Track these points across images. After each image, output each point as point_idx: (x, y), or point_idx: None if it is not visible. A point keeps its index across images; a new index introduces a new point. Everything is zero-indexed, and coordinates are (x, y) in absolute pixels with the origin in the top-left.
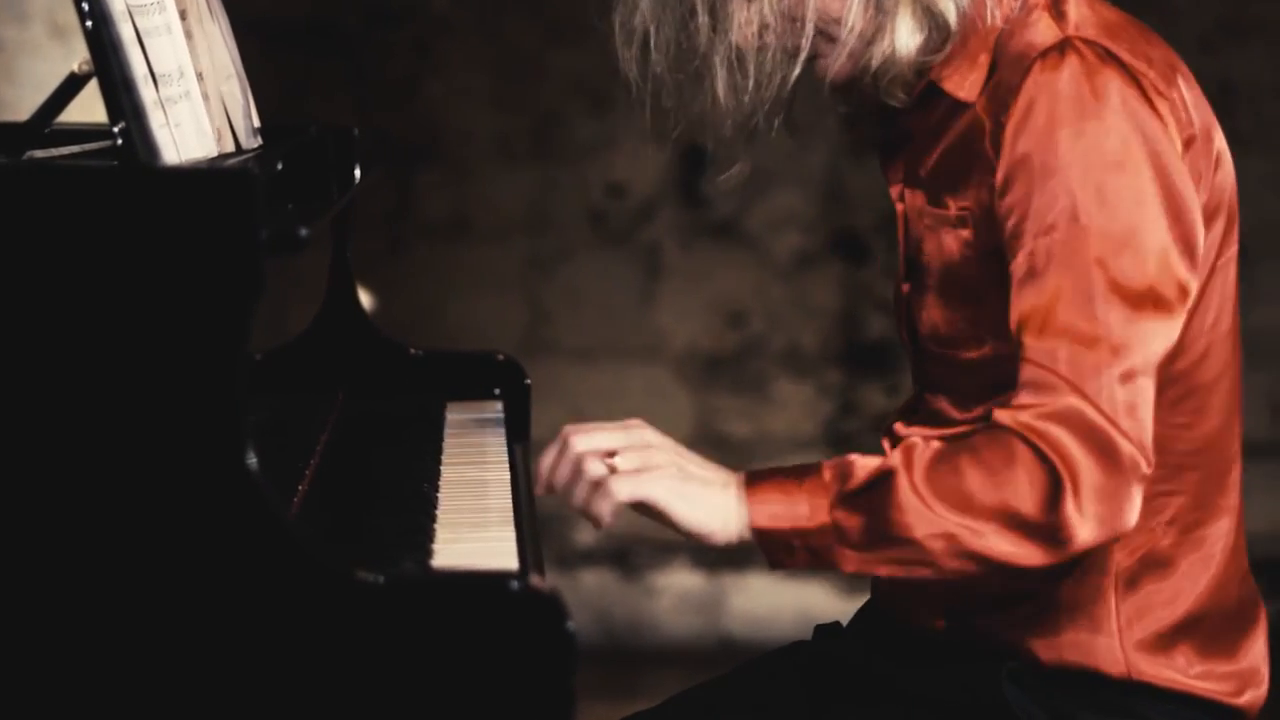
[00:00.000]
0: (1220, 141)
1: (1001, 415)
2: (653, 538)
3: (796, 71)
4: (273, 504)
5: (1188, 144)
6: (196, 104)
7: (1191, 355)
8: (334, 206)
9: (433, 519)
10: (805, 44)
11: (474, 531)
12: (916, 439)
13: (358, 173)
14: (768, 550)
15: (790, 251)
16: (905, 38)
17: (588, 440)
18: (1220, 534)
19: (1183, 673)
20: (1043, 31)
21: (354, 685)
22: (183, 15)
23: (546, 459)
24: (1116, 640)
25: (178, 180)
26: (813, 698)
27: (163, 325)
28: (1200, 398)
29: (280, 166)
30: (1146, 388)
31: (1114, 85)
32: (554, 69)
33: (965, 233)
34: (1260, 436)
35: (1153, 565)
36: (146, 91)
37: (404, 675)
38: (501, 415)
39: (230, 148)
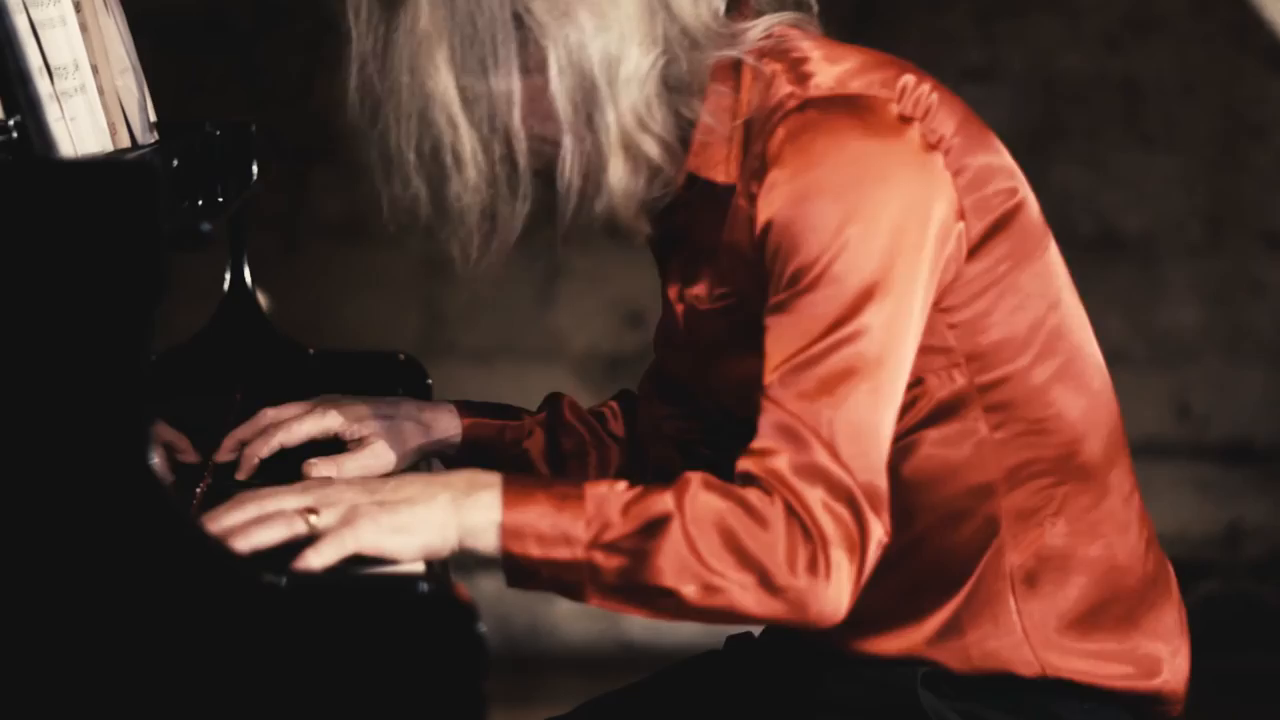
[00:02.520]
0: (999, 159)
1: (753, 466)
2: None
3: (522, 216)
4: (175, 505)
5: (956, 173)
6: (92, 98)
7: (1029, 354)
8: (235, 202)
9: None
10: (524, 194)
11: None
12: (692, 476)
13: (255, 170)
14: (510, 571)
15: None
16: (621, 189)
17: (278, 502)
18: (1110, 515)
19: (1098, 663)
20: (781, 96)
21: (259, 690)
22: (77, 8)
23: (245, 509)
24: (1025, 642)
25: (77, 172)
26: (727, 708)
27: (63, 322)
28: (1049, 398)
29: (176, 163)
30: (883, 447)
31: (854, 137)
32: None
33: (732, 316)
34: (1168, 436)
35: (1049, 561)
36: (42, 84)
37: (311, 680)
38: None
39: (126, 143)
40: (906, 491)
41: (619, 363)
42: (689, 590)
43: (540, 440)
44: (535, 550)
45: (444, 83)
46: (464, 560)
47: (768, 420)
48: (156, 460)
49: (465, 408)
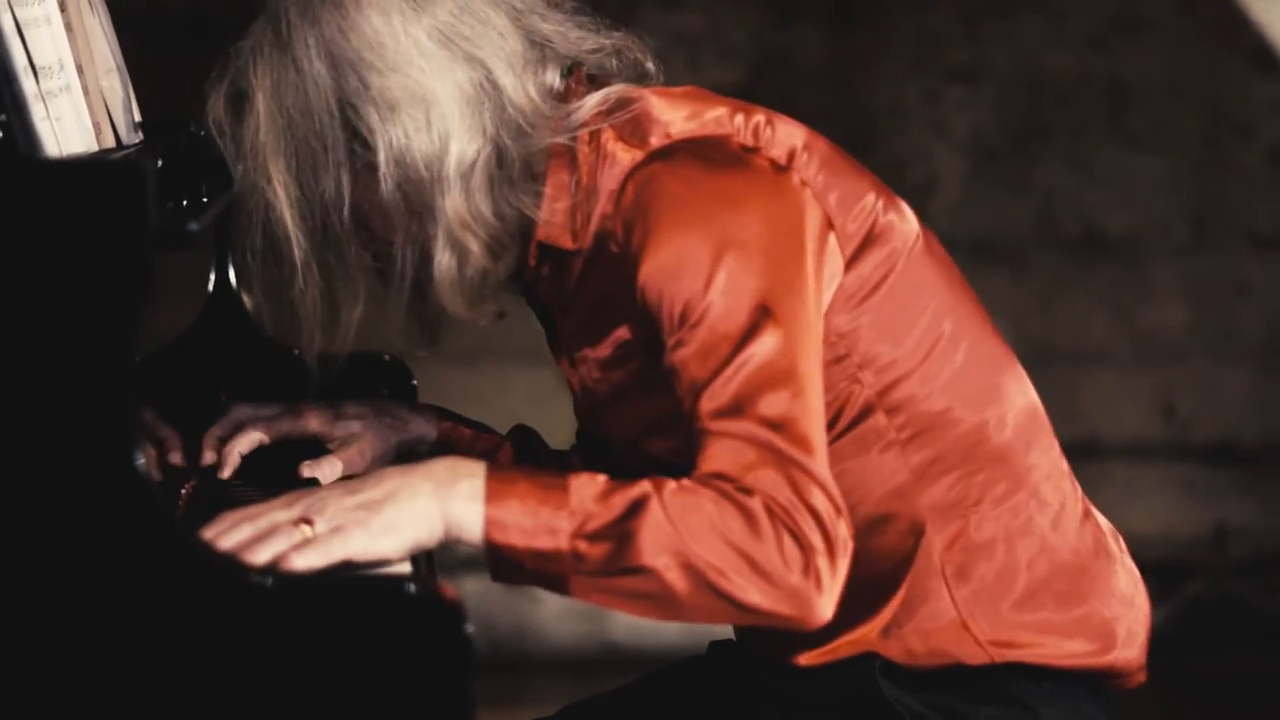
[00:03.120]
0: (856, 170)
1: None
2: None
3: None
4: (162, 506)
5: (817, 189)
6: (77, 97)
7: (919, 351)
8: (221, 202)
9: None
10: (357, 297)
11: None
12: (665, 480)
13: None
14: (494, 565)
15: None
16: (451, 291)
17: (271, 516)
18: (1033, 495)
19: (1051, 640)
20: (624, 162)
21: (247, 690)
22: (62, 8)
23: (241, 529)
24: (966, 632)
25: (65, 172)
26: (709, 712)
27: (50, 321)
28: (938, 395)
29: (161, 162)
30: (825, 453)
31: (703, 173)
32: None
33: (634, 363)
34: (1153, 437)
35: (976, 550)
36: (27, 83)
37: (298, 681)
38: None
39: (111, 143)
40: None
41: None
42: (672, 573)
43: (509, 456)
44: (519, 540)
45: (279, 190)
46: (448, 560)
47: (711, 447)
48: (142, 460)
49: (443, 414)
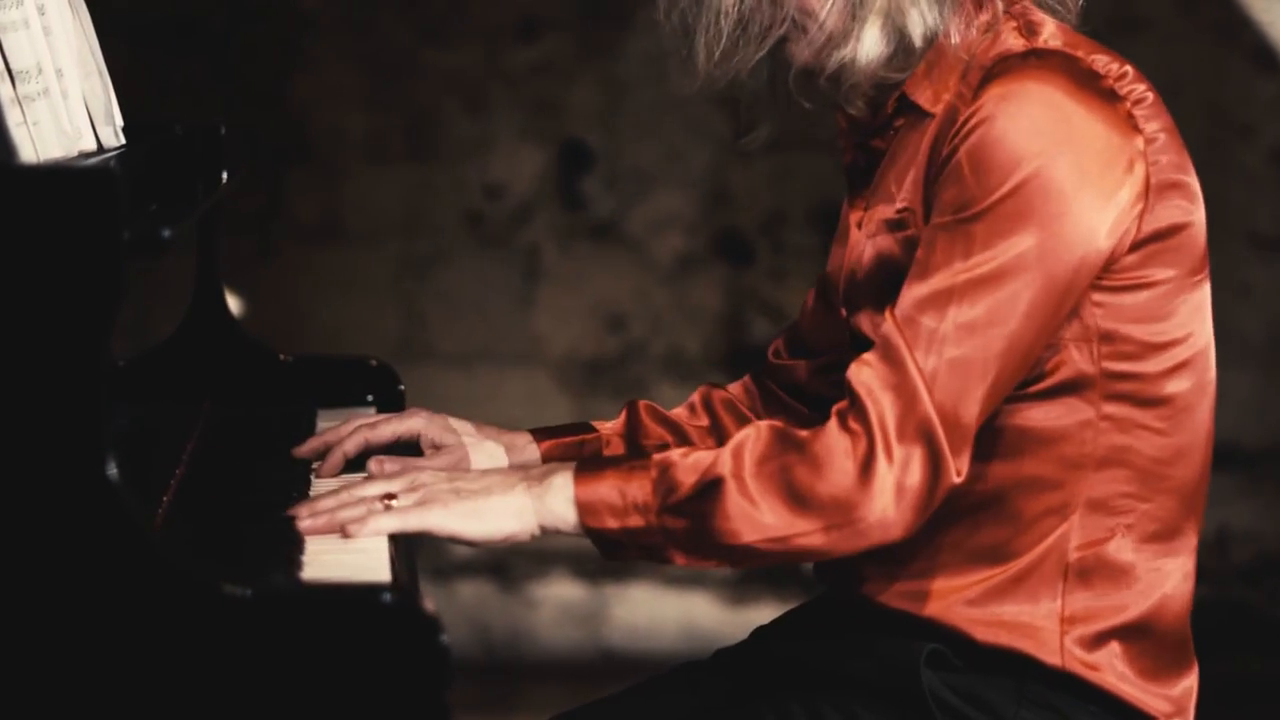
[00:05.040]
0: (1189, 178)
1: (850, 374)
2: (531, 549)
3: (761, 52)
4: (136, 516)
5: (1152, 162)
6: (56, 102)
7: (1163, 363)
8: (199, 207)
9: None
10: (777, 28)
11: (346, 543)
12: (749, 432)
13: (225, 173)
14: (600, 546)
15: (672, 254)
16: (868, 48)
17: (358, 491)
18: (1177, 563)
19: (1115, 678)
20: (1009, 43)
21: (221, 702)
22: (41, 11)
23: (324, 501)
24: (1058, 630)
25: (35, 179)
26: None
27: (20, 330)
28: (1171, 409)
29: (143, 166)
30: (987, 389)
31: (1067, 91)
32: (427, 67)
33: (905, 232)
34: None
35: (1106, 567)
36: (3, 88)
37: (275, 690)
38: None
39: (91, 146)
40: (998, 444)
41: (599, 367)
42: (757, 544)
43: (620, 449)
44: (612, 522)
45: None
46: (443, 566)
47: (882, 332)
48: (114, 469)
49: (539, 433)
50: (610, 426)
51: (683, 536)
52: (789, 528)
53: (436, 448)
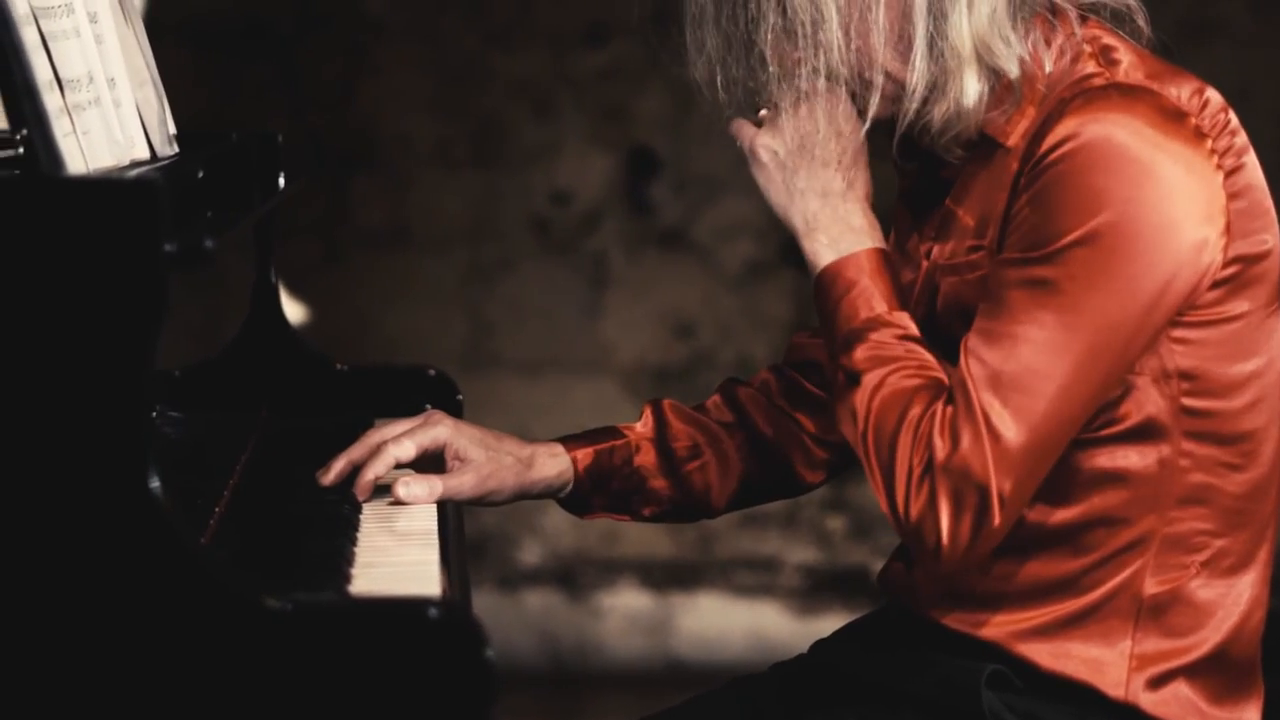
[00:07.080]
0: (1267, 203)
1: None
2: (599, 557)
3: (865, 126)
4: (178, 528)
5: (1233, 194)
6: (107, 111)
7: (1243, 398)
8: (251, 215)
9: (354, 542)
10: (872, 104)
11: (396, 555)
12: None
13: (281, 180)
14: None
15: (740, 260)
16: (970, 95)
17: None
18: (1248, 586)
19: (1180, 708)
20: (1086, 70)
21: (264, 714)
22: (93, 20)
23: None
24: (1125, 664)
25: (76, 190)
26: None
27: (64, 343)
28: (1251, 444)
29: (201, 175)
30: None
31: (1152, 127)
32: (495, 72)
33: (981, 272)
34: None
35: (1181, 602)
36: (51, 98)
37: (319, 704)
38: None
39: (144, 155)
40: (1075, 478)
41: (667, 374)
42: (870, 385)
43: (651, 454)
44: (853, 275)
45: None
46: (510, 576)
47: (957, 369)
48: (157, 482)
49: (567, 442)
50: (638, 430)
51: (846, 365)
52: (880, 452)
53: (460, 460)
